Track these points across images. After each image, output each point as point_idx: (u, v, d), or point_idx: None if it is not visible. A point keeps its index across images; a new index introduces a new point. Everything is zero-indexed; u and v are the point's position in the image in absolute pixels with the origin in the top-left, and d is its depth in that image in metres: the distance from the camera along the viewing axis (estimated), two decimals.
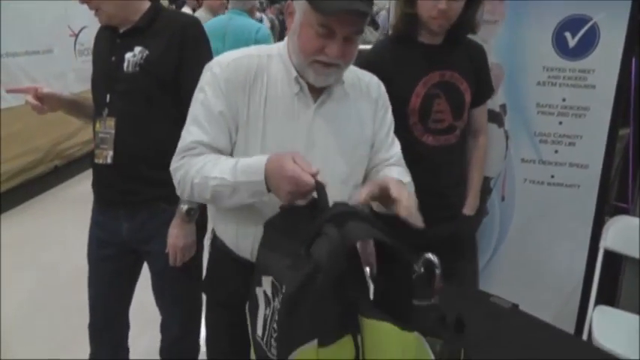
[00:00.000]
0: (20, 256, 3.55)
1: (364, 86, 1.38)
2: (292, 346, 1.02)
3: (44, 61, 4.52)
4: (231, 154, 1.29)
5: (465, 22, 1.74)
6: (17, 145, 4.24)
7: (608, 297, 2.31)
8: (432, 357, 1.08)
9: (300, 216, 1.14)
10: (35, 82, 3.66)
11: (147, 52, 1.64)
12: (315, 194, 1.12)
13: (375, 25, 6.17)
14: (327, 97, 1.30)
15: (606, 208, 2.26)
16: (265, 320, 1.12)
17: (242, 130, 1.27)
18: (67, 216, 3.87)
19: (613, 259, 2.25)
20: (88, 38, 1.65)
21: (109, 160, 1.68)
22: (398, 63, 1.77)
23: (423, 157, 1.77)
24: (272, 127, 1.27)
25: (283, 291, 1.04)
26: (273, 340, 1.08)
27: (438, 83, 1.76)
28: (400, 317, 1.04)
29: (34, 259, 3.50)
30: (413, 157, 1.66)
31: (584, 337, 2.08)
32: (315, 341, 1.01)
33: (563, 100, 2.10)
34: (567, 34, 2.04)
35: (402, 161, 1.43)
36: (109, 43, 1.71)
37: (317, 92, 1.29)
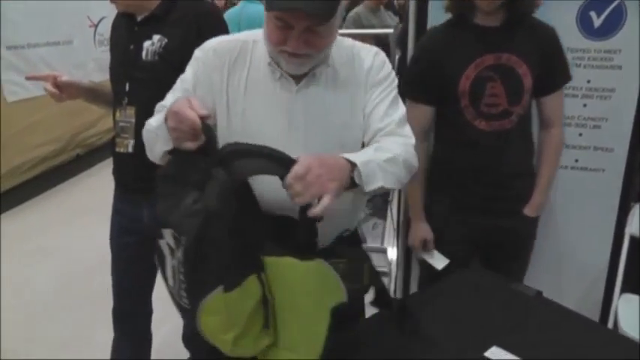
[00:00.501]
0: (43, 244, 3.62)
1: (358, 63, 1.33)
2: (200, 295, 1.05)
3: (64, 51, 4.58)
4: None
5: (521, 1, 1.67)
6: (39, 134, 4.31)
7: (634, 285, 2.27)
8: (336, 276, 1.09)
9: (190, 162, 1.11)
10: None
11: (165, 40, 1.63)
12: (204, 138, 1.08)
13: (393, 8, 6.13)
14: (310, 80, 1.27)
15: (632, 194, 2.21)
16: (173, 270, 1.12)
17: (223, 113, 1.29)
18: (89, 204, 3.95)
19: (639, 245, 2.20)
20: (107, 28, 1.66)
21: (130, 149, 1.68)
22: (450, 46, 1.73)
23: (475, 142, 1.74)
24: (252, 109, 1.27)
25: (183, 242, 1.05)
26: (182, 291, 1.10)
27: (493, 66, 1.71)
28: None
29: (57, 246, 3.55)
30: (464, 141, 1.64)
31: (610, 325, 2.05)
32: (221, 287, 1.04)
33: (588, 81, 2.04)
34: (592, 14, 1.98)
35: (401, 129, 1.31)
36: (127, 31, 1.71)
37: (301, 76, 1.27)
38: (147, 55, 1.64)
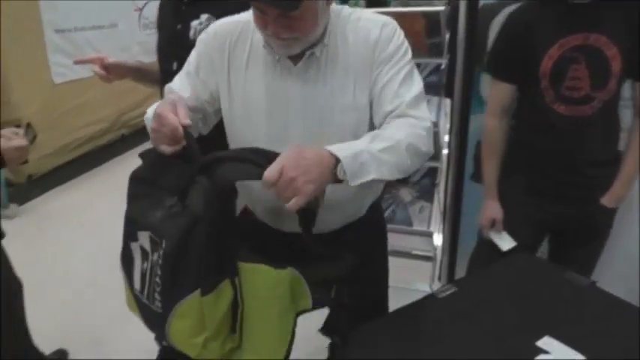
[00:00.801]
0: (89, 220, 3.72)
1: (363, 38, 1.24)
2: (176, 298, 1.06)
3: (110, 34, 4.65)
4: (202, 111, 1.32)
5: None
6: (86, 114, 4.41)
7: None
8: (305, 285, 1.13)
9: (167, 167, 1.12)
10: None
11: (213, 19, 1.62)
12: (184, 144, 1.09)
13: None
14: (309, 61, 1.23)
15: None
16: (143, 274, 1.12)
17: (225, 95, 1.29)
18: None
19: None
20: (152, 12, 1.67)
21: None
22: (535, 23, 1.65)
23: (552, 126, 1.67)
24: (253, 91, 1.26)
25: (164, 246, 1.05)
26: (156, 294, 1.09)
27: (579, 47, 1.61)
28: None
29: (101, 223, 3.65)
30: (542, 123, 1.59)
31: None
32: (198, 291, 1.04)
33: None
34: None
35: (414, 109, 1.21)
36: (174, 10, 1.71)
37: (299, 57, 1.23)
38: (194, 34, 1.63)
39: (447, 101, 2.13)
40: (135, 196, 1.16)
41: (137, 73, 1.87)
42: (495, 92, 1.73)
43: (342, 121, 1.24)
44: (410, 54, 1.26)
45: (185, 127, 1.06)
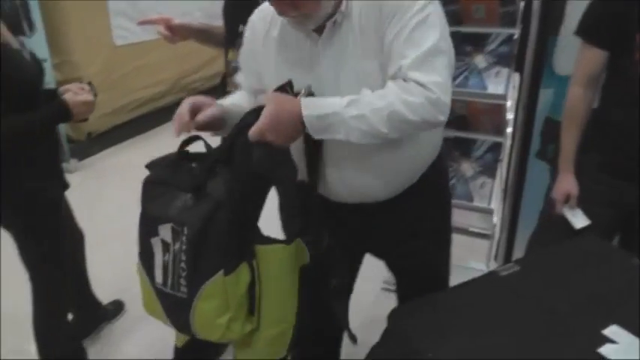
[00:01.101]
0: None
1: (376, 6, 1.17)
2: (201, 279, 1.14)
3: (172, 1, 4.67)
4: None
5: None
6: (145, 76, 4.51)
7: None
8: (303, 244, 1.23)
9: (176, 169, 1.24)
10: None
11: None
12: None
13: None
14: (332, 32, 1.20)
15: None
16: (165, 266, 1.19)
17: (266, 76, 1.31)
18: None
19: None
20: None
21: None
22: None
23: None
24: (291, 68, 1.25)
25: (185, 232, 1.13)
26: (182, 280, 1.16)
27: None
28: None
29: None
30: (629, 97, 1.49)
31: None
32: (222, 272, 1.13)
33: None
34: None
35: (415, 71, 1.10)
36: None
37: (324, 28, 1.21)
38: None
39: (517, 74, 2.05)
40: (151, 197, 1.24)
41: (202, 34, 1.87)
42: (584, 58, 1.63)
43: (374, 83, 1.17)
44: (420, 4, 1.12)
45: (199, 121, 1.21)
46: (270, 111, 1.09)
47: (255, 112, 1.13)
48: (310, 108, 1.10)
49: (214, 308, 1.16)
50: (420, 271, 1.50)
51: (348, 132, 1.10)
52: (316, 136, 1.13)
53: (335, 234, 1.35)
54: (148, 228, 1.22)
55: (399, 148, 1.26)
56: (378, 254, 1.57)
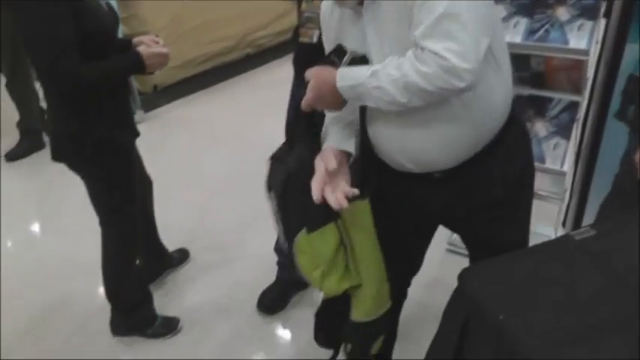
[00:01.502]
0: (214, 131, 3.92)
1: None
2: (292, 235, 1.33)
3: None
4: None
5: None
6: (212, 31, 4.52)
7: None
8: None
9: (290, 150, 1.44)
10: None
11: None
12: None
13: None
14: (373, 5, 1.20)
15: None
16: (276, 220, 1.41)
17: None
18: (257, 98, 4.18)
19: None
20: None
21: (314, 39, 1.70)
22: None
23: None
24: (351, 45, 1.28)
25: (274, 196, 1.36)
26: (283, 234, 1.39)
27: None
28: None
29: (227, 133, 3.85)
30: None
31: None
32: (305, 229, 1.31)
33: None
34: None
35: (428, 39, 1.06)
36: None
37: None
38: None
39: (602, 26, 1.89)
40: (272, 170, 1.43)
41: None
42: None
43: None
44: None
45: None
46: (312, 85, 1.23)
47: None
48: (344, 79, 1.19)
49: (307, 262, 1.35)
50: (495, 244, 1.42)
51: (375, 101, 1.17)
52: (355, 104, 1.27)
53: (403, 205, 1.40)
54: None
55: (457, 112, 1.21)
56: (451, 226, 1.58)
